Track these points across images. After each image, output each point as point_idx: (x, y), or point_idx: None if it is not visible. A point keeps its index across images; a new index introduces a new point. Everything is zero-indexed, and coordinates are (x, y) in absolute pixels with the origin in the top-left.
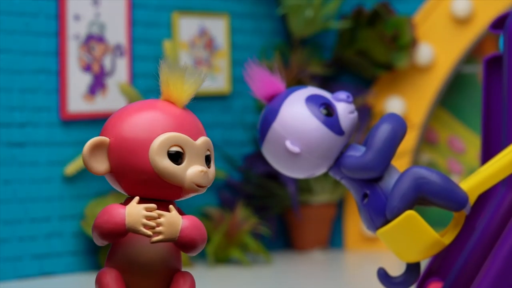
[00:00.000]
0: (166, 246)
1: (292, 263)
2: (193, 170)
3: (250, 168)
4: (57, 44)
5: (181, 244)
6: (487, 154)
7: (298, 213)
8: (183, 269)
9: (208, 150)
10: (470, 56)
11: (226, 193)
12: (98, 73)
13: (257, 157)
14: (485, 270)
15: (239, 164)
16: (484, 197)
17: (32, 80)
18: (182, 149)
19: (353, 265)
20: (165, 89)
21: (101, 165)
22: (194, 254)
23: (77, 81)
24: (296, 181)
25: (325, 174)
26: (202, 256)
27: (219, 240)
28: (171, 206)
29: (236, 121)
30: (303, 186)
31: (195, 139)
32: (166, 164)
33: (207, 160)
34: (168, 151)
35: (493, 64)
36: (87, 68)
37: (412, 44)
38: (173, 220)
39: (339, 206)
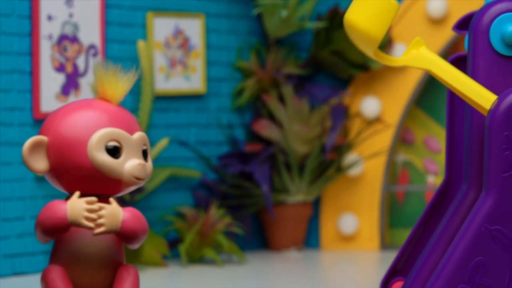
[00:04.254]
0: (108, 239)
1: (267, 263)
2: (131, 163)
3: (225, 167)
4: (30, 44)
5: (123, 235)
6: (451, 153)
7: (272, 213)
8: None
9: (145, 144)
10: (445, 56)
11: (201, 192)
12: (71, 73)
13: (232, 156)
14: (439, 268)
15: (214, 164)
16: (449, 196)
17: (4, 80)
18: (120, 143)
19: (329, 265)
20: (99, 88)
21: (40, 164)
22: (135, 246)
23: (50, 81)
24: (270, 180)
25: (301, 174)
26: (175, 255)
27: (192, 239)
28: (111, 199)
29: (212, 121)
30: (278, 185)
31: (132, 134)
32: (104, 158)
33: (144, 154)
34: (106, 146)
35: (458, 64)
36: (60, 68)
37: (387, 44)
38: (114, 212)
39: (315, 205)
